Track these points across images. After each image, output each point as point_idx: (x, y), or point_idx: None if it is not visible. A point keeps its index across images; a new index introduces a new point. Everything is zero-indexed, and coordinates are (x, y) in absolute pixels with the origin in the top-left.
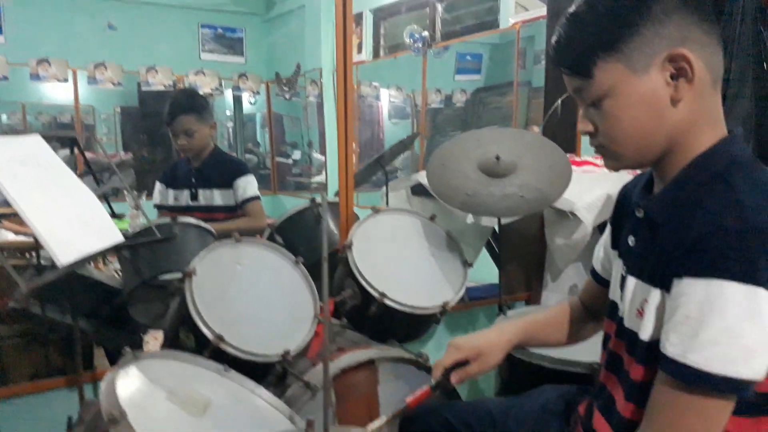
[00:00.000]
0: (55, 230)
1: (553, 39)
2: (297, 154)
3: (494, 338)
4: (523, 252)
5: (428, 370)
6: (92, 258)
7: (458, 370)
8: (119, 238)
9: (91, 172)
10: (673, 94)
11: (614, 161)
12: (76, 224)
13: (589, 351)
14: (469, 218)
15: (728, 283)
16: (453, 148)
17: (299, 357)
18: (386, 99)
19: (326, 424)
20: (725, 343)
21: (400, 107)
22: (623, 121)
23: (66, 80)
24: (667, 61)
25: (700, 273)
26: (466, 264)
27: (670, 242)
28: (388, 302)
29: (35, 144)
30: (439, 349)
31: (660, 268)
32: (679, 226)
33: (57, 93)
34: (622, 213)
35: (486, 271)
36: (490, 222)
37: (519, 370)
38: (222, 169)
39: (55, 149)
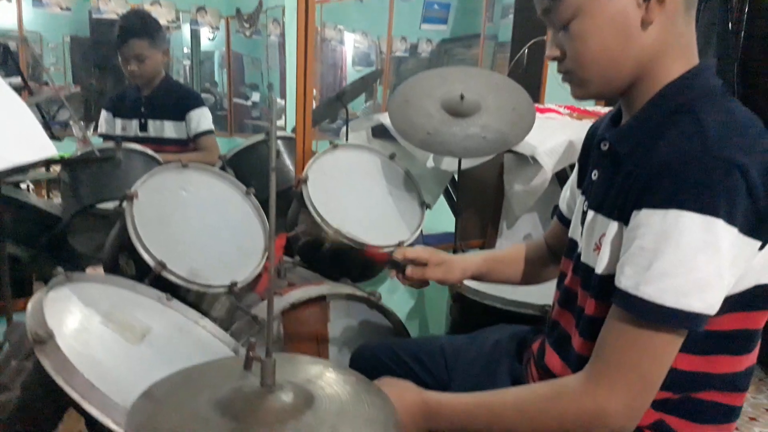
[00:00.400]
0: None
1: None
2: (256, 97)
3: (458, 259)
4: (480, 199)
5: (380, 309)
6: (24, 170)
7: (417, 266)
8: (53, 152)
9: (23, 81)
10: (644, 16)
11: (581, 88)
12: (5, 133)
13: (542, 294)
14: (429, 162)
15: (686, 213)
16: (417, 85)
17: (247, 291)
18: (351, 44)
19: (269, 347)
20: (679, 274)
21: (365, 54)
22: (591, 43)
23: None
24: None
25: (658, 203)
26: (424, 205)
27: (632, 174)
28: (341, 239)
29: None
30: (393, 291)
31: (620, 201)
32: (642, 157)
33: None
34: (589, 150)
35: (442, 219)
36: (450, 167)
37: (470, 311)
38: (174, 100)
39: None
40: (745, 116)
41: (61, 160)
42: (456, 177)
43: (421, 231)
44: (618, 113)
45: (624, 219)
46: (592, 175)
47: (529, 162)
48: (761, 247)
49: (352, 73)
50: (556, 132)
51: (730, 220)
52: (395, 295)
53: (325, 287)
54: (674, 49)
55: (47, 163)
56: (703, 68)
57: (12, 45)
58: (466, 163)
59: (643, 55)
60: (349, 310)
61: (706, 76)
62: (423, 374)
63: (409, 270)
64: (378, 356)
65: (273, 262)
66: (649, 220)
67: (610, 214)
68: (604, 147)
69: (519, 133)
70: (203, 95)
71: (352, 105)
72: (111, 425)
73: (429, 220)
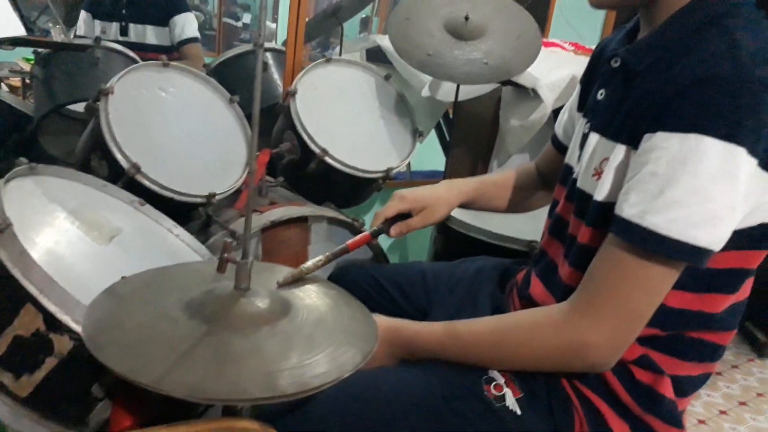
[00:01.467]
0: None
1: None
2: (247, 18)
3: (441, 193)
4: (473, 135)
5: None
6: None
7: (400, 222)
8: (20, 30)
9: None
10: None
11: None
12: None
13: (529, 229)
14: (425, 91)
15: (708, 138)
16: (421, 1)
17: (226, 205)
18: None
19: (245, 248)
20: (692, 203)
21: None
22: None
23: None
24: None
25: (677, 127)
26: (417, 133)
27: (648, 92)
28: (328, 160)
29: None
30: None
31: (630, 122)
32: (661, 75)
33: None
34: (595, 69)
35: (431, 156)
36: (446, 97)
37: (455, 242)
38: (158, 2)
39: None
40: None
41: (34, 42)
42: (450, 110)
43: (408, 166)
44: (634, 28)
45: (633, 143)
46: (598, 94)
47: (528, 95)
48: None
49: None
50: (560, 66)
51: (753, 151)
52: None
53: (308, 209)
54: None
55: (14, 41)
56: None
57: None
58: (463, 94)
59: None
60: (331, 235)
61: None
62: (401, 300)
63: (395, 230)
64: (356, 280)
65: (253, 160)
66: (665, 144)
67: (616, 136)
68: (616, 64)
69: (522, 61)
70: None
71: (347, 33)
72: (70, 323)
73: (418, 155)
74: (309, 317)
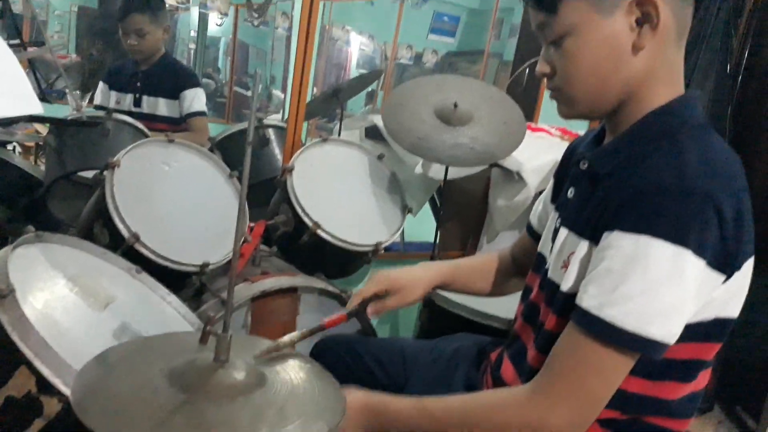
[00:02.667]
0: None
1: None
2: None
3: (417, 274)
4: (464, 211)
5: (359, 312)
6: (8, 123)
7: (376, 302)
8: (38, 109)
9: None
10: (636, 41)
11: (567, 107)
12: None
13: (509, 308)
14: (418, 168)
15: (657, 240)
16: (414, 89)
17: (219, 274)
18: (357, 46)
19: (226, 322)
20: (644, 300)
21: (370, 57)
22: (582, 62)
23: None
24: (634, 5)
25: (630, 227)
26: (406, 209)
27: (608, 194)
28: (321, 233)
29: None
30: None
31: (593, 220)
32: (619, 179)
33: None
34: (567, 167)
35: (426, 227)
36: (437, 174)
37: (438, 317)
38: (170, 77)
39: None
40: (724, 152)
41: (48, 120)
42: (442, 186)
43: (402, 237)
44: (601, 133)
45: (595, 239)
46: (568, 192)
47: (514, 178)
48: (725, 281)
49: (355, 75)
50: (544, 151)
51: (700, 252)
52: None
53: (298, 279)
54: (662, 75)
55: (32, 119)
56: (689, 98)
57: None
58: (453, 173)
59: (632, 78)
60: (320, 305)
61: (692, 106)
62: (380, 374)
63: (370, 310)
64: (338, 351)
65: (239, 238)
66: (619, 243)
67: (581, 232)
68: (584, 166)
69: (507, 147)
70: (204, 80)
71: (351, 107)
72: (61, 387)
73: (413, 227)
74: (282, 390)
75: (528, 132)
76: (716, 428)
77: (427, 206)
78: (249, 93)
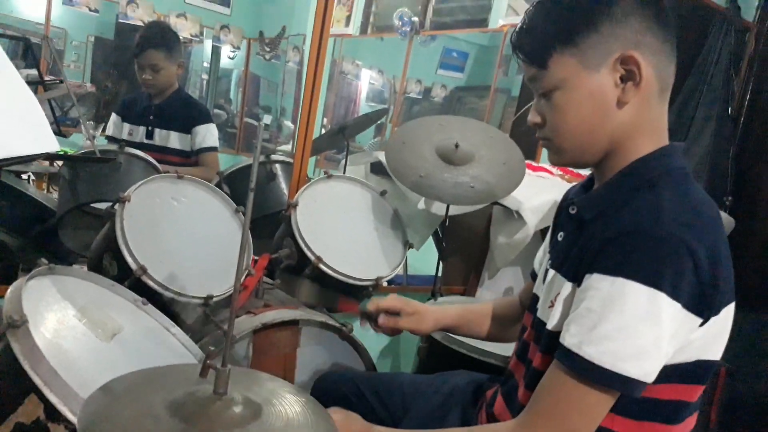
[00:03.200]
0: None
1: (517, 25)
2: (268, 119)
3: (431, 308)
4: (467, 247)
5: (351, 341)
6: (25, 160)
7: (390, 316)
8: (55, 147)
9: (39, 75)
10: (620, 96)
11: (557, 155)
12: (10, 123)
13: (506, 345)
14: (421, 204)
15: (633, 283)
16: (416, 129)
17: (223, 306)
18: (366, 80)
19: (225, 357)
20: (620, 339)
21: (379, 92)
22: (569, 114)
23: None
24: (619, 63)
25: (608, 270)
26: (407, 245)
27: (590, 239)
28: (322, 267)
29: None
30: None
31: (576, 263)
32: (601, 225)
33: (29, 9)
34: (561, 211)
35: (430, 262)
36: (439, 211)
37: (437, 353)
38: (183, 112)
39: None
40: (701, 200)
41: (63, 156)
42: (444, 221)
43: (406, 270)
44: (590, 180)
45: (577, 280)
46: (558, 236)
47: (514, 216)
48: (702, 324)
49: (364, 108)
50: (544, 191)
51: (675, 295)
52: (371, 331)
53: (299, 312)
54: (646, 128)
55: (49, 157)
56: (671, 149)
57: (36, 39)
58: (455, 209)
59: (617, 131)
60: (321, 338)
61: (673, 156)
62: (379, 408)
63: (382, 319)
64: (339, 386)
65: (241, 270)
66: (598, 284)
67: (567, 274)
68: (572, 211)
69: (507, 187)
70: (216, 111)
71: (360, 139)
72: (68, 414)
73: (417, 261)
74: (277, 422)
75: (529, 171)
76: None
77: (430, 241)
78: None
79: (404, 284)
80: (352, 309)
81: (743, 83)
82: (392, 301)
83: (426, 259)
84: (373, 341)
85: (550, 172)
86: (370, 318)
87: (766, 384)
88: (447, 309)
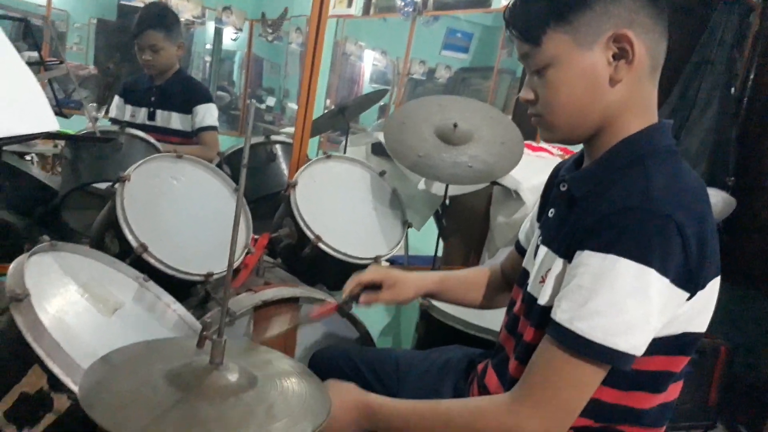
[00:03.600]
0: None
1: (510, 2)
2: (271, 101)
3: (411, 277)
4: (467, 227)
5: (350, 317)
6: (25, 139)
7: (370, 293)
8: (54, 127)
9: (40, 56)
10: (612, 74)
11: (548, 132)
12: (10, 103)
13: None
14: (421, 185)
15: (622, 259)
16: (416, 109)
17: (223, 284)
18: (370, 61)
19: (221, 328)
20: (609, 314)
21: (382, 73)
22: (561, 91)
23: None
24: (612, 41)
25: (598, 247)
26: (406, 224)
27: (581, 216)
28: (322, 246)
29: None
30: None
31: (567, 240)
32: (592, 203)
33: None
34: (551, 188)
35: (432, 243)
36: (439, 191)
37: (434, 329)
38: (184, 93)
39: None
40: (690, 178)
41: (64, 136)
42: (445, 202)
43: (407, 250)
44: (581, 157)
45: (568, 257)
46: (549, 212)
47: (512, 196)
48: (689, 298)
49: (368, 90)
50: (543, 170)
51: (663, 270)
52: (372, 309)
53: (299, 290)
54: (636, 106)
55: (49, 136)
56: (660, 127)
57: (36, 21)
58: (455, 189)
59: (608, 109)
60: None
61: (662, 134)
62: (374, 383)
63: (362, 297)
64: (336, 360)
65: (234, 250)
66: (589, 261)
67: (558, 251)
68: (563, 188)
69: (504, 166)
70: (219, 93)
71: (364, 120)
72: (70, 385)
73: (417, 241)
74: (272, 391)
75: (528, 151)
76: None
77: (432, 221)
78: (262, 106)
79: (405, 264)
80: (330, 309)
81: (747, 63)
82: (372, 274)
83: (427, 240)
84: (374, 320)
85: (550, 152)
86: (354, 300)
87: (766, 360)
88: (427, 275)
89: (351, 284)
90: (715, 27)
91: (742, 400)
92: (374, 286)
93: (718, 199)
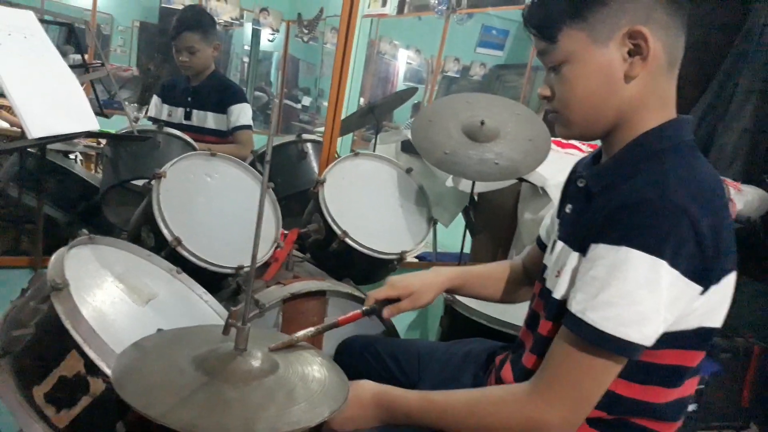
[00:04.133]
0: (31, 104)
1: (528, 1)
2: (307, 101)
3: (429, 279)
4: (495, 224)
5: (374, 311)
6: (68, 138)
7: (391, 305)
8: (94, 126)
9: (83, 59)
10: (628, 70)
11: (565, 128)
12: (54, 104)
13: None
14: (449, 182)
15: (636, 252)
16: (443, 106)
17: (256, 276)
18: (404, 60)
19: (245, 316)
20: (622, 305)
21: (417, 71)
22: (578, 88)
23: None
24: (627, 37)
25: (613, 240)
26: (432, 221)
27: (597, 211)
28: (348, 241)
29: (26, 18)
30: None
31: (583, 234)
32: (608, 197)
33: None
34: (570, 184)
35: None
36: (467, 188)
37: (458, 323)
38: (219, 93)
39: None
40: (706, 173)
41: (103, 135)
42: (474, 198)
43: (435, 247)
44: (599, 153)
45: (583, 251)
46: (566, 208)
47: (539, 193)
48: (703, 292)
49: (402, 88)
50: (570, 167)
51: (674, 263)
52: None
53: (327, 284)
54: (653, 102)
55: (90, 135)
56: (678, 122)
57: (80, 25)
58: (482, 186)
59: (624, 105)
60: (346, 308)
61: (680, 129)
62: (397, 372)
63: (385, 312)
64: (360, 350)
65: (258, 240)
66: (603, 254)
67: (574, 245)
68: (581, 184)
69: (531, 163)
70: (257, 93)
71: (397, 118)
72: (105, 369)
73: (446, 238)
74: (293, 377)
75: (557, 148)
76: None
77: (461, 218)
78: (298, 106)
79: (433, 261)
80: (356, 318)
81: None
82: (387, 291)
83: (456, 236)
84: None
85: (580, 149)
86: (376, 313)
87: None
88: (445, 272)
89: (368, 302)
90: (754, 21)
91: None
92: (393, 300)
93: (755, 196)
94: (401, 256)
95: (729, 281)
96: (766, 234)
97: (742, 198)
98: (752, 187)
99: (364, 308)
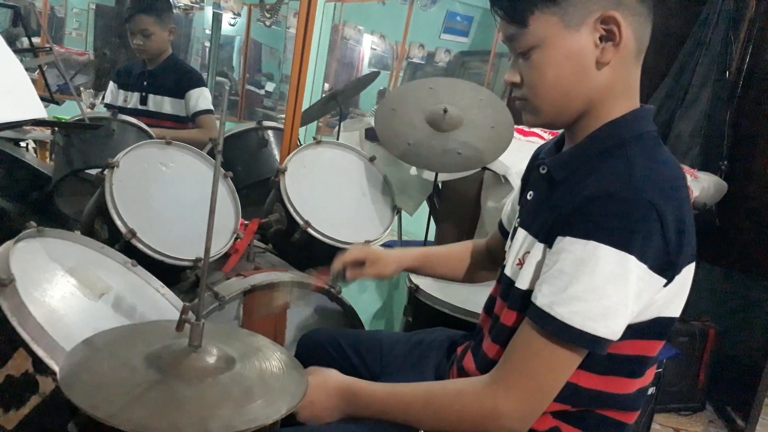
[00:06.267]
0: None
1: None
2: (270, 86)
3: (393, 252)
4: (459, 211)
5: (339, 302)
6: (7, 127)
7: (354, 268)
8: (41, 114)
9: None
10: (599, 57)
11: (533, 116)
12: None
13: None
14: (413, 170)
15: (604, 246)
16: (406, 94)
17: (214, 269)
18: (369, 46)
19: (199, 311)
20: (590, 300)
21: (382, 57)
22: (548, 74)
23: None
24: (599, 22)
25: (580, 234)
26: (396, 209)
27: (562, 201)
28: (311, 231)
29: None
30: (362, 290)
31: (548, 225)
32: (573, 188)
33: None
34: (531, 170)
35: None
36: (431, 177)
37: (422, 313)
38: (176, 78)
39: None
40: (670, 164)
41: (51, 123)
42: (438, 186)
43: (400, 235)
44: (561, 140)
45: (549, 242)
46: (528, 195)
47: (502, 181)
48: (666, 284)
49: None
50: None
51: (642, 257)
52: (364, 294)
53: (289, 275)
54: (621, 90)
55: (36, 123)
56: (642, 112)
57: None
58: (444, 175)
59: (594, 92)
60: (310, 299)
61: (644, 120)
62: (359, 364)
63: (348, 273)
64: (322, 343)
65: (210, 236)
66: (570, 247)
67: (537, 235)
68: (543, 171)
69: (494, 151)
70: (218, 78)
71: (363, 105)
72: (55, 367)
73: (411, 226)
74: (250, 373)
75: (519, 136)
76: (707, 427)
77: (425, 206)
78: (261, 91)
79: (361, 244)
80: (323, 284)
81: (742, 47)
82: (355, 252)
83: (420, 224)
84: (366, 305)
85: (541, 137)
86: (341, 277)
87: (754, 343)
88: (408, 251)
89: (337, 264)
90: (710, 10)
91: (730, 383)
92: (359, 264)
93: (711, 183)
94: (366, 245)
95: (689, 271)
96: (721, 220)
97: (699, 185)
98: (708, 174)
99: (332, 270)
